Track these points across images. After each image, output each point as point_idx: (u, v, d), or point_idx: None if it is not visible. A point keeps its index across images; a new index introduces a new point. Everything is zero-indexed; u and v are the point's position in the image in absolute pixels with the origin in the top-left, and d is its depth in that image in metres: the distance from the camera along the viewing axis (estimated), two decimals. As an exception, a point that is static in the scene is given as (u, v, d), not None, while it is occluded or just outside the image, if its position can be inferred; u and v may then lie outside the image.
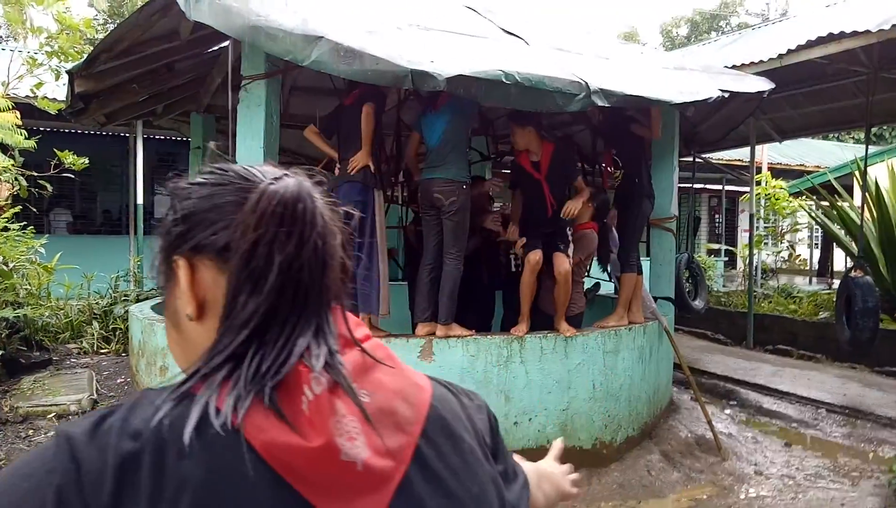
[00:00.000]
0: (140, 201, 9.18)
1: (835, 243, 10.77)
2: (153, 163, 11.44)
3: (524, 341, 4.23)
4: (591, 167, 6.55)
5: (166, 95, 6.12)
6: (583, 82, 3.80)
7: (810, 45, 5.63)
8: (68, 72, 4.58)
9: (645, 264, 5.32)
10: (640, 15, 47.84)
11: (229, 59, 4.06)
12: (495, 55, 3.98)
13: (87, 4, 18.99)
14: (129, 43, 4.32)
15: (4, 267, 4.94)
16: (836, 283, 11.29)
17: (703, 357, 7.58)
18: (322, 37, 3.42)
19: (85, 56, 4.55)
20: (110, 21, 18.65)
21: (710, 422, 4.76)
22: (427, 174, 4.23)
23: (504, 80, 3.59)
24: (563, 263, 4.39)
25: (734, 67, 6.09)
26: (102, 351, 6.36)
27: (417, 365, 4.04)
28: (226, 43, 4.82)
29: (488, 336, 4.24)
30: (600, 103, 3.82)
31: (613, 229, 5.43)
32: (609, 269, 5.67)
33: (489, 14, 4.98)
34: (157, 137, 10.60)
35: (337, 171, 4.26)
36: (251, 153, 4.07)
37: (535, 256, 4.36)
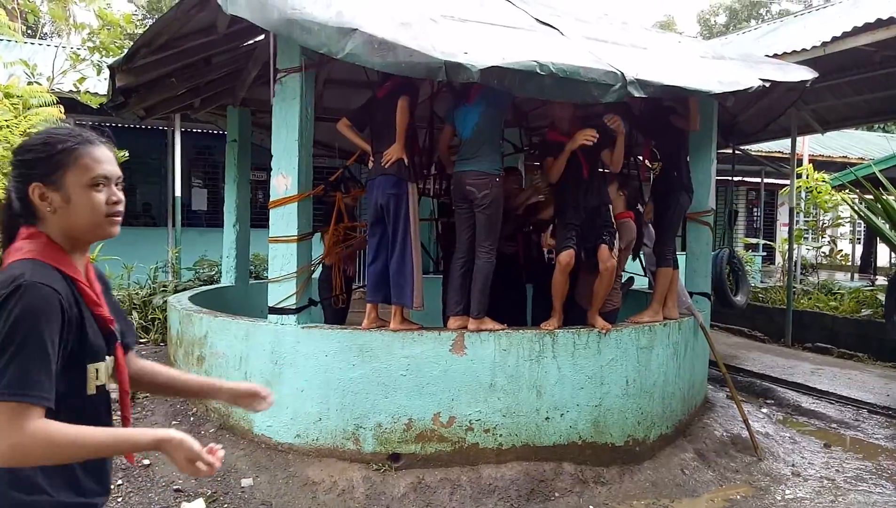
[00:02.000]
0: (178, 193, 9.35)
1: (879, 239, 10.43)
2: (191, 156, 11.66)
3: (556, 336, 4.20)
4: (628, 159, 6.46)
5: (203, 88, 6.21)
6: (618, 72, 3.74)
7: (857, 31, 5.46)
8: (110, 67, 4.68)
9: (680, 258, 5.23)
10: (676, 4, 46.82)
11: (270, 51, 4.10)
12: (529, 46, 3.93)
13: (126, 0, 19.40)
14: (167, 37, 4.39)
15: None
16: (880, 280, 10.96)
17: (739, 354, 7.44)
18: (356, 29, 3.43)
19: (125, 51, 4.63)
20: (149, 16, 19.01)
21: (746, 421, 4.67)
22: (460, 167, 4.23)
23: (538, 71, 3.55)
24: (608, 257, 4.34)
25: (775, 55, 5.93)
26: (142, 341, 6.51)
27: (449, 359, 4.04)
28: (261, 37, 4.88)
29: (520, 331, 4.22)
30: (637, 94, 3.75)
31: (649, 224, 5.35)
32: (643, 262, 5.59)
33: (523, 4, 4.93)
34: (194, 130, 10.78)
35: (370, 164, 4.27)
36: (286, 146, 4.11)
37: (568, 257, 4.31)
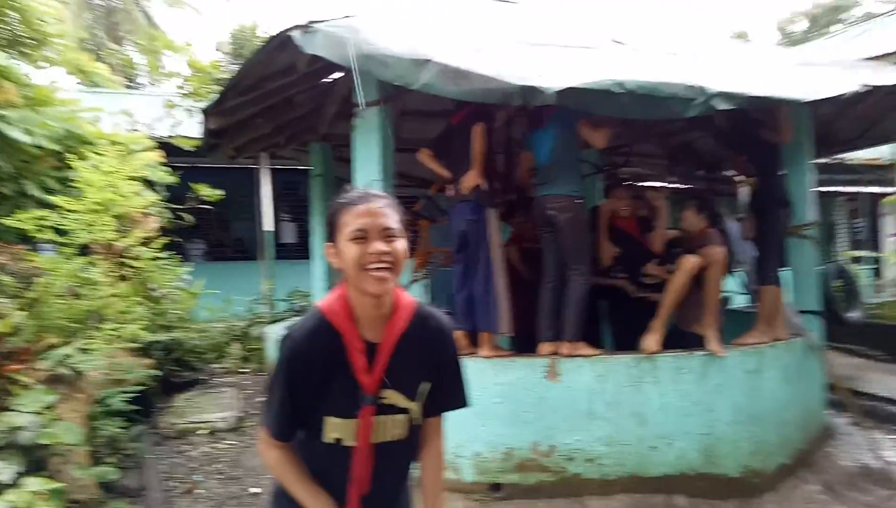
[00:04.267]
0: (269, 227, 9.67)
1: None
2: (278, 192, 12.09)
3: (656, 360, 3.99)
4: (712, 174, 6.17)
5: (287, 126, 6.41)
6: (700, 86, 3.55)
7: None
8: (202, 111, 4.92)
9: (785, 275, 4.88)
10: (752, 14, 45.04)
11: (352, 85, 4.17)
12: (605, 65, 3.81)
13: (214, 49, 20.58)
14: (253, 80, 4.56)
15: (157, 294, 5.37)
16: None
17: (858, 376, 6.84)
18: (430, 60, 3.43)
19: (214, 95, 4.85)
20: (234, 62, 20.09)
21: (879, 450, 4.25)
22: (539, 191, 4.17)
23: (616, 89, 3.41)
24: (714, 253, 4.17)
25: (868, 58, 5.50)
26: (243, 370, 6.73)
27: (544, 386, 3.91)
28: (339, 74, 5.00)
29: (617, 356, 4.04)
30: (721, 107, 3.54)
31: (740, 238, 5.05)
32: (745, 281, 5.27)
33: (597, 25, 4.83)
34: (280, 167, 11.18)
35: (450, 192, 4.25)
36: (368, 177, 4.15)
37: (694, 259, 4.14)
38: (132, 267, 4.94)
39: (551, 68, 3.55)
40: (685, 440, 3.96)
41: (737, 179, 5.52)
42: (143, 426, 4.31)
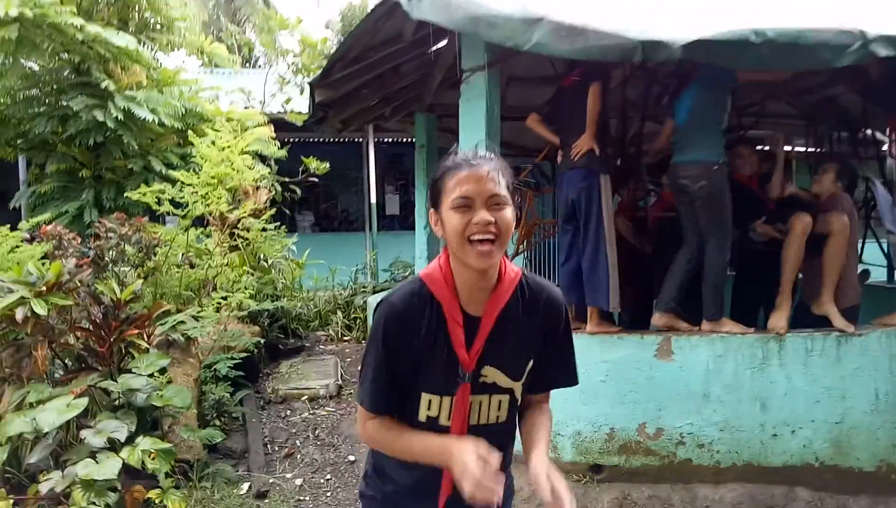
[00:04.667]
0: (374, 200, 9.85)
1: None
2: (383, 164, 12.31)
3: (784, 340, 3.65)
4: (859, 134, 5.53)
5: (393, 97, 6.41)
6: (857, 30, 3.13)
7: None
8: (309, 84, 4.99)
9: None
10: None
11: (456, 51, 4.07)
12: (739, 11, 3.45)
13: (323, 26, 21.11)
14: (359, 50, 4.55)
15: (265, 264, 5.59)
16: None
17: None
18: (542, 18, 3.25)
19: (322, 68, 4.90)
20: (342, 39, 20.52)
21: None
22: (674, 158, 3.89)
23: (753, 39, 3.07)
24: (834, 220, 3.84)
25: None
26: (346, 338, 6.92)
27: (655, 365, 3.69)
28: (444, 42, 4.91)
29: (738, 335, 3.73)
30: (883, 53, 3.11)
31: (891, 205, 4.50)
32: (888, 251, 4.72)
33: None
34: (385, 140, 11.35)
35: (560, 158, 4.05)
36: (474, 144, 4.02)
37: (805, 218, 3.81)
38: (243, 238, 5.14)
39: (677, 20, 3.26)
40: (812, 429, 3.65)
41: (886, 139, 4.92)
42: (248, 391, 4.50)
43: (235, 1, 19.96)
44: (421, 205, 7.03)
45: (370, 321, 5.61)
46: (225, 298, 4.17)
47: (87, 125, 6.14)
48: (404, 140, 10.94)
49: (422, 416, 1.45)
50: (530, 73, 5.83)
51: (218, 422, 4.06)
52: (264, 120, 7.42)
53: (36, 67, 6.72)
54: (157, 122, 6.43)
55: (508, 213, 1.34)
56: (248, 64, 15.29)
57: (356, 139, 10.76)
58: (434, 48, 5.23)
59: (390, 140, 11.48)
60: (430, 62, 5.56)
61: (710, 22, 3.23)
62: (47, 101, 6.61)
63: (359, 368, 1.42)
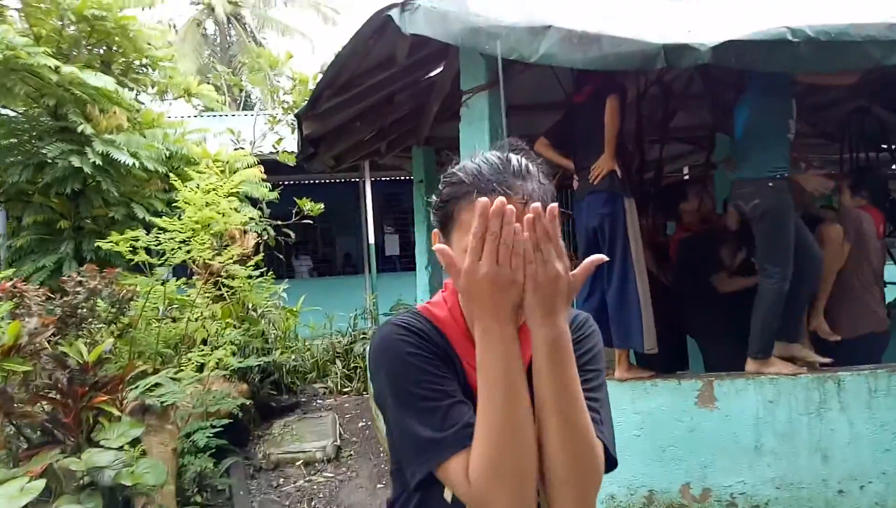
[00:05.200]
0: (372, 240, 9.48)
1: None
2: (381, 203, 11.98)
3: (842, 380, 3.19)
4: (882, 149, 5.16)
5: (388, 130, 6.08)
6: (910, 23, 2.77)
7: None
8: (296, 115, 4.63)
9: None
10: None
11: (455, 76, 3.70)
12: (771, 10, 3.10)
13: (319, 70, 21.10)
14: (348, 75, 4.20)
15: (254, 314, 5.14)
16: None
17: None
18: (550, 26, 2.90)
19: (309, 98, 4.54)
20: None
21: None
22: (733, 175, 3.51)
23: (790, 37, 2.72)
24: (825, 229, 3.71)
25: None
26: (346, 390, 6.42)
27: (696, 414, 3.22)
28: (440, 70, 4.60)
29: (790, 376, 3.25)
30: (945, 49, 2.74)
31: None
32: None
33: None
34: (383, 179, 11.04)
35: (576, 183, 3.64)
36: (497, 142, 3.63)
37: (836, 228, 3.61)
38: (228, 286, 4.71)
39: (702, 21, 2.92)
40: (884, 482, 3.19)
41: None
42: (236, 458, 4.01)
43: (231, 49, 20.03)
44: (422, 243, 6.63)
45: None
46: (204, 355, 3.71)
47: (64, 172, 5.77)
48: (402, 178, 10.64)
49: (447, 494, 1.02)
50: (532, 99, 5.50)
51: (200, 498, 3.56)
52: (254, 161, 7.07)
53: (12, 114, 6.39)
54: (139, 166, 6.07)
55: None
56: (241, 108, 15.11)
57: (352, 179, 10.44)
58: (430, 75, 4.92)
59: (387, 179, 11.17)
60: (426, 91, 5.24)
61: (738, 23, 2.88)
62: (24, 148, 6.26)
63: (359, 424, 0.94)
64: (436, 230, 1.10)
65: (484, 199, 0.89)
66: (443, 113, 5.26)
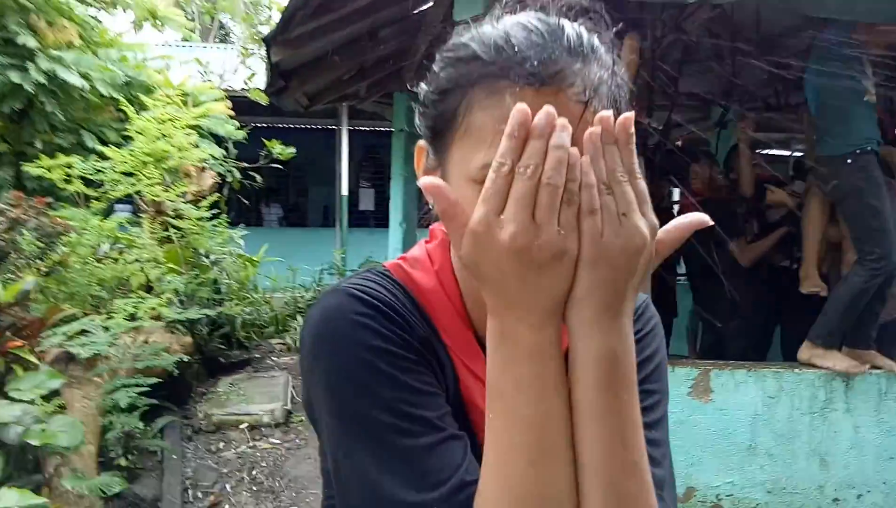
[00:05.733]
0: (345, 192, 9.02)
1: None
2: (359, 155, 11.44)
3: (852, 380, 2.87)
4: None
5: (369, 71, 5.56)
6: None
7: None
8: (264, 39, 4.10)
9: None
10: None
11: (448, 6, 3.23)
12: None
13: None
14: (324, -6, 3.68)
15: (205, 260, 4.67)
16: None
17: None
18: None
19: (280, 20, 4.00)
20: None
21: None
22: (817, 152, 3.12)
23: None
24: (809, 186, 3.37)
25: None
26: (305, 348, 6.03)
27: (688, 406, 2.88)
28: (430, 4, 4.12)
29: (795, 370, 2.93)
30: None
31: None
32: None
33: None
34: (361, 129, 10.49)
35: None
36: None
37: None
38: (175, 228, 4.22)
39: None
40: (882, 493, 2.94)
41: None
42: (172, 417, 3.59)
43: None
44: (397, 197, 6.19)
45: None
46: (136, 304, 3.25)
47: (2, 89, 5.17)
48: (382, 129, 10.10)
49: None
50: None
51: (125, 461, 3.16)
52: (222, 95, 6.50)
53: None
54: (90, 89, 5.48)
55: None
56: (213, 42, 14.26)
57: (329, 126, 9.88)
58: (420, 9, 4.42)
59: (367, 129, 10.62)
60: (414, 27, 4.73)
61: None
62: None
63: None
64: (422, 143, 0.68)
65: (522, 105, 0.50)
66: (431, 57, 4.76)
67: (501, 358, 0.53)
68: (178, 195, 4.16)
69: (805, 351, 2.97)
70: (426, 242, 0.74)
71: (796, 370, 2.91)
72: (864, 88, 2.83)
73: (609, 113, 0.51)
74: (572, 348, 0.54)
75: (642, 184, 0.52)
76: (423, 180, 0.52)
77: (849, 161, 2.83)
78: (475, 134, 0.58)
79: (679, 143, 4.10)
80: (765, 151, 5.31)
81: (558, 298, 0.52)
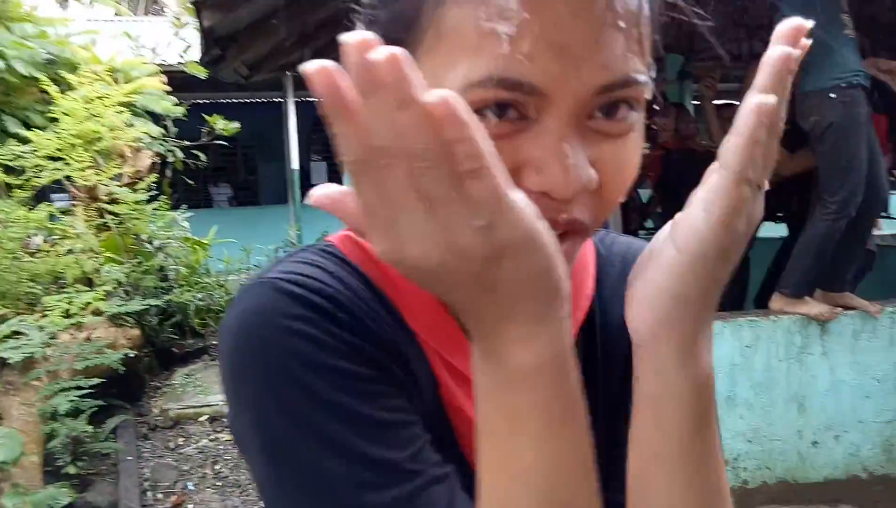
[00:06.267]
0: (295, 165, 8.71)
1: None
2: (308, 128, 11.08)
3: (827, 323, 2.83)
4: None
5: (313, 35, 5.26)
6: None
7: None
8: (194, 2, 3.79)
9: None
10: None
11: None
12: None
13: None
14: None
15: (148, 246, 4.38)
16: None
17: None
18: None
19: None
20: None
21: None
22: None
23: None
24: None
25: None
26: (264, 331, 5.81)
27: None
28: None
29: (771, 317, 2.87)
30: None
31: None
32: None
33: None
34: (309, 99, 10.13)
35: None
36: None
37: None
38: (112, 213, 3.93)
39: None
40: (860, 431, 2.94)
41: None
42: (125, 416, 3.37)
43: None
44: (351, 168, 5.95)
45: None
46: (69, 299, 2.99)
47: None
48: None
49: None
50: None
51: (75, 467, 2.94)
52: (156, 70, 6.10)
53: None
54: (6, 68, 5.05)
55: (632, 143, 0.43)
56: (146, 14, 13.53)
57: (276, 99, 9.50)
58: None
59: (316, 99, 10.26)
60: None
61: None
62: None
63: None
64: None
65: None
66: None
67: (489, 398, 0.37)
68: (111, 178, 3.86)
69: (776, 302, 2.91)
70: None
71: (772, 318, 2.86)
72: (843, 21, 2.73)
73: None
74: (657, 371, 0.40)
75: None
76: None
77: (832, 95, 2.71)
78: (450, 38, 0.39)
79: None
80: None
81: (547, 288, 0.35)
